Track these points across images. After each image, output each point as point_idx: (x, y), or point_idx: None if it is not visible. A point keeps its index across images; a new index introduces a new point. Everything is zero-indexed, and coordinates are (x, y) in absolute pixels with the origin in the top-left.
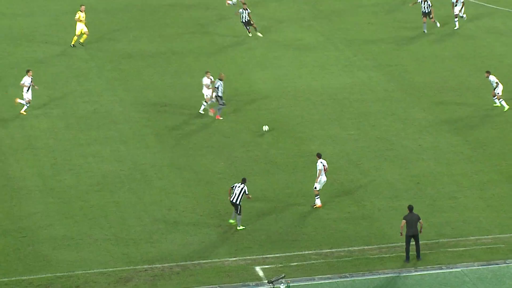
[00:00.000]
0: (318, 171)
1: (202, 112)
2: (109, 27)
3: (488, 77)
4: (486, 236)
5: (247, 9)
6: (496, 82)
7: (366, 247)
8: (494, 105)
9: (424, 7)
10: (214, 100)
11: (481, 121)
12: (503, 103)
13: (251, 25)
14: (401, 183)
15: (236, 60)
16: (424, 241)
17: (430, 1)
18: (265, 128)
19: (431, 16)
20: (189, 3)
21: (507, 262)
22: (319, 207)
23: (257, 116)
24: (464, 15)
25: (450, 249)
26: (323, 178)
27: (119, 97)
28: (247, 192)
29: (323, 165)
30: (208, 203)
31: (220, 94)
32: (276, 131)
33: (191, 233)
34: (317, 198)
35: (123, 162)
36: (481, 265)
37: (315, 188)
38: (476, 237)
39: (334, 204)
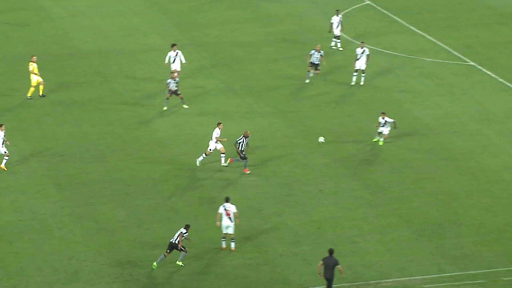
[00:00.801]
0: (218, 214)
1: (198, 165)
2: (7, 77)
3: (383, 118)
4: (386, 280)
5: (175, 79)
6: (390, 122)
7: None
8: (374, 140)
9: (314, 58)
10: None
11: (380, 166)
12: (382, 138)
13: (178, 95)
14: (302, 228)
15: (137, 109)
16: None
17: (324, 53)
18: (321, 139)
19: (318, 68)
20: (88, 51)
21: None
22: (222, 248)
23: (158, 164)
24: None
25: None
26: (224, 223)
27: (18, 146)
28: (184, 236)
29: (225, 209)
30: (109, 252)
31: (242, 148)
32: (178, 179)
33: (91, 282)
34: (222, 241)
35: (22, 212)
36: None
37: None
38: (376, 281)
39: (236, 250)
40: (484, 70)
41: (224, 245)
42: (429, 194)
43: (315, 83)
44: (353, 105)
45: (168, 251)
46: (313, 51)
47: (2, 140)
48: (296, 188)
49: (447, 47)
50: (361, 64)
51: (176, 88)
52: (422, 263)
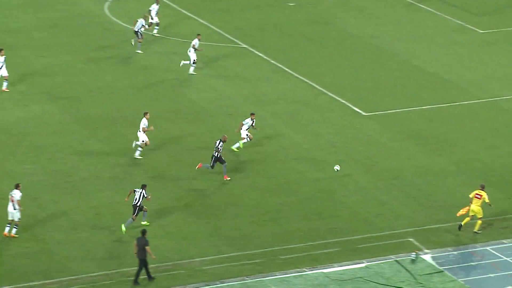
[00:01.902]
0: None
1: (139, 157)
2: None
3: (253, 119)
4: (166, 263)
5: None
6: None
7: (47, 281)
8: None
9: (138, 27)
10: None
11: (156, 149)
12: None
13: None
14: (80, 215)
15: None
16: (104, 272)
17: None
18: (337, 167)
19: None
20: None
21: (187, 287)
22: (4, 234)
23: None
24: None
25: (129, 278)
26: (9, 209)
27: None
28: (145, 195)
29: (10, 195)
30: None
31: (219, 154)
32: None
33: None
34: (7, 226)
35: None
36: None
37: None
38: (156, 265)
39: (12, 239)
40: (256, 52)
41: (6, 231)
42: (207, 176)
43: (88, 69)
44: (127, 89)
45: (135, 214)
46: (140, 20)
47: None
48: (72, 174)
49: (219, 30)
50: (192, 55)
51: None
52: (201, 245)
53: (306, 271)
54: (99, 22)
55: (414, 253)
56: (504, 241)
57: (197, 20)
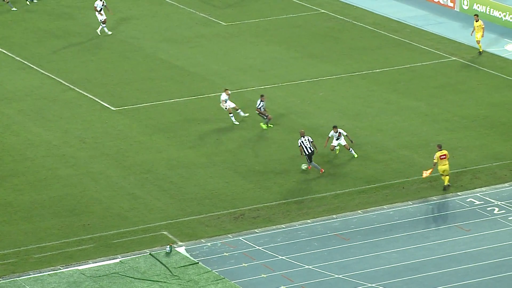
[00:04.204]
0: None
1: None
2: None
3: (336, 131)
4: None
5: None
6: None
7: None
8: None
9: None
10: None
11: None
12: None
13: None
14: None
15: None
16: None
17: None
18: (304, 166)
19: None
20: None
21: None
22: None
23: None
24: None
25: None
26: None
27: None
28: (261, 107)
29: None
30: None
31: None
32: None
33: None
34: None
35: None
36: None
37: None
38: None
39: None
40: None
41: None
42: None
43: None
44: None
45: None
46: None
47: None
48: None
49: None
50: (101, 17)
51: None
52: None
53: (61, 269)
54: None
55: (168, 246)
56: (256, 230)
57: None
